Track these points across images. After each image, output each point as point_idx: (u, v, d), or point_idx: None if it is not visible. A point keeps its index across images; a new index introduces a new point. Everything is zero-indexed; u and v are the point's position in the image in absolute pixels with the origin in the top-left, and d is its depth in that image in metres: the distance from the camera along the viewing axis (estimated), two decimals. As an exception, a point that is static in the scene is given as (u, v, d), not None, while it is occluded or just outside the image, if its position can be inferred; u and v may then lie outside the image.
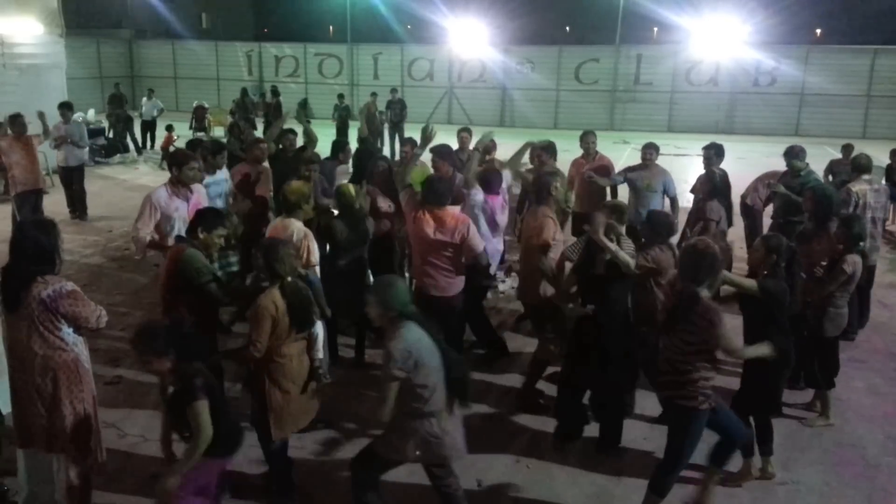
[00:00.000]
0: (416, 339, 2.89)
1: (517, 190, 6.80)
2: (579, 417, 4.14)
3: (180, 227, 4.37)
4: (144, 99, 15.88)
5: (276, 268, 3.30)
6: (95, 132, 14.94)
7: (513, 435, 4.28)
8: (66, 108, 9.28)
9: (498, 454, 4.06)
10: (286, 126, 6.85)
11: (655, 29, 33.89)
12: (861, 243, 4.21)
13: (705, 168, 6.07)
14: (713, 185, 5.73)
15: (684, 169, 14.31)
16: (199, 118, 13.85)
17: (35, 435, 3.08)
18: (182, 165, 4.50)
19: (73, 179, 9.27)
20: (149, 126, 15.55)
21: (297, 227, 4.10)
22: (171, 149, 12.03)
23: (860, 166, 5.69)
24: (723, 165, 6.27)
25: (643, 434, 4.22)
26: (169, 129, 13.85)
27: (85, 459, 3.19)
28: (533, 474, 3.91)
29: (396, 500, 3.53)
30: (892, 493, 3.80)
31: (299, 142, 6.67)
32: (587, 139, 6.81)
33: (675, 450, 3.28)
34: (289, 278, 3.32)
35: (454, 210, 4.38)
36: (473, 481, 3.76)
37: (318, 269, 4.16)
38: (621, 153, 14.78)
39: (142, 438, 4.11)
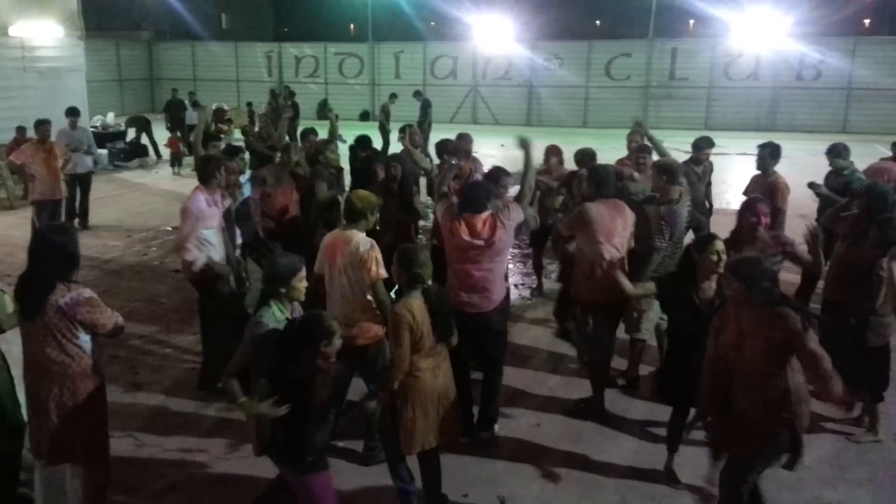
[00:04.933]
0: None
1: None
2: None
3: (214, 234, 4.41)
4: (187, 102, 15.60)
5: (420, 273, 3.18)
6: (115, 136, 14.76)
7: (542, 448, 4.05)
8: (72, 114, 8.97)
9: (525, 467, 3.85)
10: (306, 126, 6.81)
11: (691, 21, 33.04)
12: None
13: (759, 168, 5.71)
14: None
15: (723, 168, 13.60)
16: (219, 120, 13.59)
17: (49, 445, 3.04)
18: (227, 171, 4.60)
19: (79, 187, 8.99)
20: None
21: (360, 237, 3.79)
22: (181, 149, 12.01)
23: None
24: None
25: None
26: (174, 131, 13.56)
27: (101, 470, 3.17)
28: (562, 491, 3.67)
29: None
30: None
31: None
32: (634, 137, 6.22)
33: None
34: (429, 282, 3.21)
35: (484, 214, 4.07)
36: (496, 498, 3.58)
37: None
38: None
39: (160, 449, 3.98)
